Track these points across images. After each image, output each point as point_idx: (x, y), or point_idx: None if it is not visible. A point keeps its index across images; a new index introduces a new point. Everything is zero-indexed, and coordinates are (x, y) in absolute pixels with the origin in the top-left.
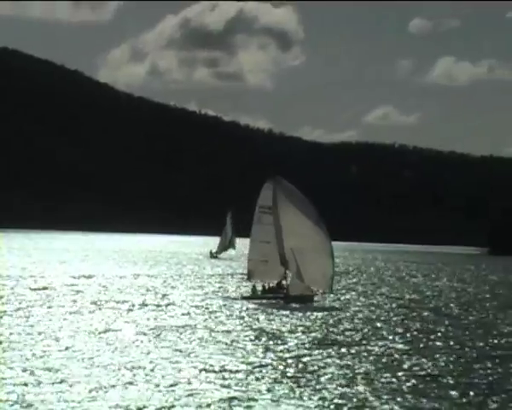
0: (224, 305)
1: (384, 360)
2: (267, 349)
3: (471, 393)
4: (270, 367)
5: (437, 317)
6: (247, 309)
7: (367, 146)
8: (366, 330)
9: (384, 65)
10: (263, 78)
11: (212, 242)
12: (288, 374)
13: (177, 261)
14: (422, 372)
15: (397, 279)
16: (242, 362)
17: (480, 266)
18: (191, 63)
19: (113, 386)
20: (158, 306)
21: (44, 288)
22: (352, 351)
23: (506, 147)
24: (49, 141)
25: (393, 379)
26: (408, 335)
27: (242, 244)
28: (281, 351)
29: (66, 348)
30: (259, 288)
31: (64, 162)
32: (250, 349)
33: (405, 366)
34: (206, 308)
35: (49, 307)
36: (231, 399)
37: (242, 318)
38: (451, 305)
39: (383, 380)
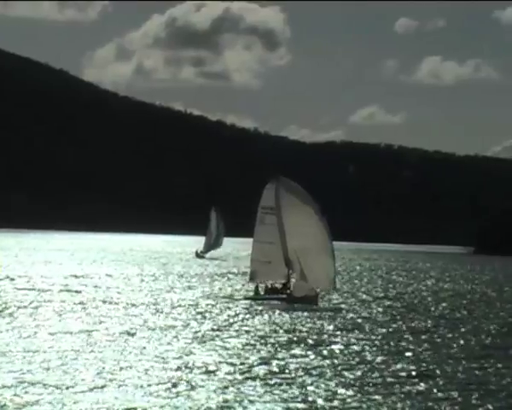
0: (226, 306)
1: (380, 359)
2: (268, 352)
3: (466, 393)
4: (269, 370)
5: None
6: (249, 310)
7: (352, 146)
8: (361, 330)
9: (370, 64)
10: (249, 77)
11: (196, 241)
12: (278, 375)
13: (166, 261)
14: (414, 372)
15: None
16: (241, 363)
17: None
18: (177, 62)
19: (105, 386)
20: (156, 305)
21: (28, 288)
22: (348, 351)
23: (492, 146)
24: (32, 139)
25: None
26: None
27: (229, 243)
28: (278, 352)
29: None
30: (262, 288)
31: (45, 160)
32: (248, 350)
33: (398, 366)
34: (207, 309)
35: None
36: (227, 400)
37: (244, 319)
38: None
39: (379, 380)
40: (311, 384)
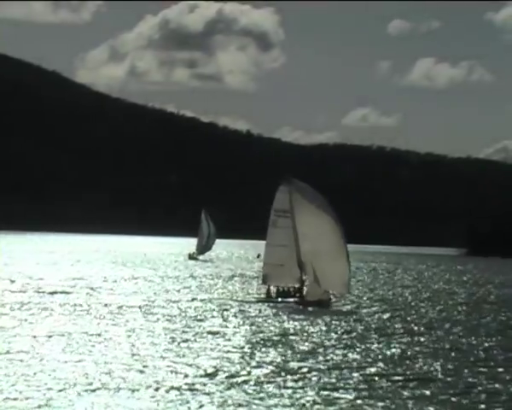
0: (238, 308)
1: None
2: (277, 353)
3: (466, 396)
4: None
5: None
6: (261, 312)
7: (344, 147)
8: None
9: (363, 66)
10: (242, 79)
11: (188, 243)
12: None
13: (169, 262)
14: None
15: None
16: (252, 366)
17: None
18: (170, 64)
19: (104, 388)
20: (164, 308)
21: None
22: (355, 354)
23: (484, 148)
24: (23, 141)
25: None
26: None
27: (223, 245)
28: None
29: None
30: (274, 291)
31: (37, 163)
32: (256, 353)
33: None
34: (220, 311)
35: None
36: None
37: (256, 322)
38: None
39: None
40: (315, 388)
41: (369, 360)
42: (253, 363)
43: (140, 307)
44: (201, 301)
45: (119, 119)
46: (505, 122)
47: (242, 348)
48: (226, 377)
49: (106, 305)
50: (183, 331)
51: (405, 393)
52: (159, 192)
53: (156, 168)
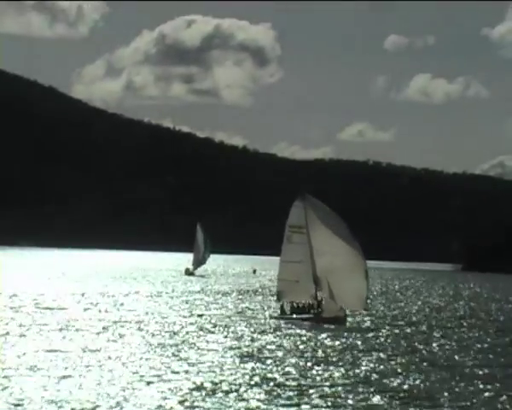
0: (251, 325)
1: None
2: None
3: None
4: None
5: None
6: (275, 329)
7: (340, 163)
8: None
9: (360, 81)
10: (239, 94)
11: (181, 258)
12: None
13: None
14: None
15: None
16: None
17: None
18: (167, 79)
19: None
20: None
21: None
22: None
23: (480, 164)
24: (18, 156)
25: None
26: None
27: (215, 260)
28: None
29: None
30: (288, 307)
31: (33, 178)
32: (270, 371)
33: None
34: (232, 329)
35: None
36: None
37: (269, 339)
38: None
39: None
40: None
41: (374, 375)
42: (258, 379)
43: (154, 325)
44: (212, 317)
45: (116, 134)
46: (501, 138)
47: (250, 363)
48: (225, 392)
49: (115, 322)
50: (199, 348)
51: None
52: (154, 207)
53: (152, 183)
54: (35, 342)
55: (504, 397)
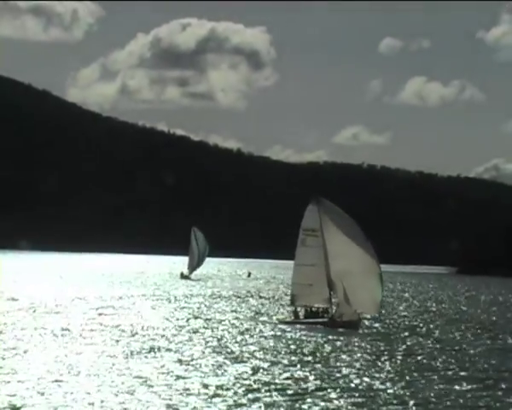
0: (263, 330)
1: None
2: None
3: None
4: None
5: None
6: (287, 334)
7: (334, 166)
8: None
9: (355, 85)
10: (234, 97)
11: (177, 261)
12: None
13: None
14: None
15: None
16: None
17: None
18: (162, 82)
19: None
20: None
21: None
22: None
23: (475, 167)
24: (13, 159)
25: None
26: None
27: (209, 263)
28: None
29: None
30: (302, 312)
31: (26, 181)
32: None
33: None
34: (246, 333)
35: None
36: None
37: (283, 344)
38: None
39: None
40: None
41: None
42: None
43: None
44: (226, 321)
45: (110, 137)
46: (496, 141)
47: (262, 369)
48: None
49: (119, 326)
50: (216, 353)
51: None
52: (148, 210)
53: (146, 186)
54: (29, 345)
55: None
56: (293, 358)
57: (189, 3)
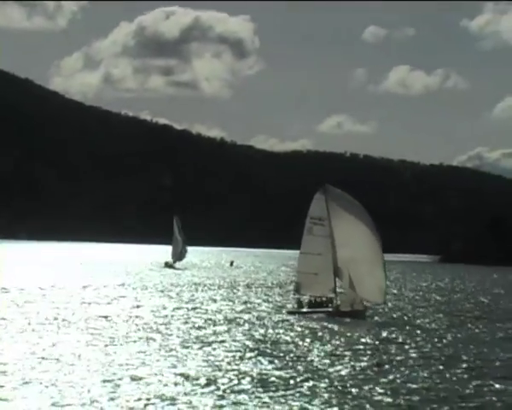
0: (266, 319)
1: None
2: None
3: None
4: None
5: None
6: (291, 324)
7: (317, 155)
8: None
9: (339, 73)
10: (218, 86)
11: (161, 250)
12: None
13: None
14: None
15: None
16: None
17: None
18: (146, 71)
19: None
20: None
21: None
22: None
23: (457, 155)
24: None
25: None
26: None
27: (191, 252)
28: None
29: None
30: (306, 301)
31: (9, 171)
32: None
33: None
34: (249, 323)
35: None
36: None
37: (283, 333)
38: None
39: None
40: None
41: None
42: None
43: (168, 321)
44: (227, 310)
45: (94, 126)
46: (480, 130)
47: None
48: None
49: (106, 316)
50: (230, 342)
51: None
52: (132, 200)
53: (129, 176)
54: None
55: None
56: (297, 347)
57: None
